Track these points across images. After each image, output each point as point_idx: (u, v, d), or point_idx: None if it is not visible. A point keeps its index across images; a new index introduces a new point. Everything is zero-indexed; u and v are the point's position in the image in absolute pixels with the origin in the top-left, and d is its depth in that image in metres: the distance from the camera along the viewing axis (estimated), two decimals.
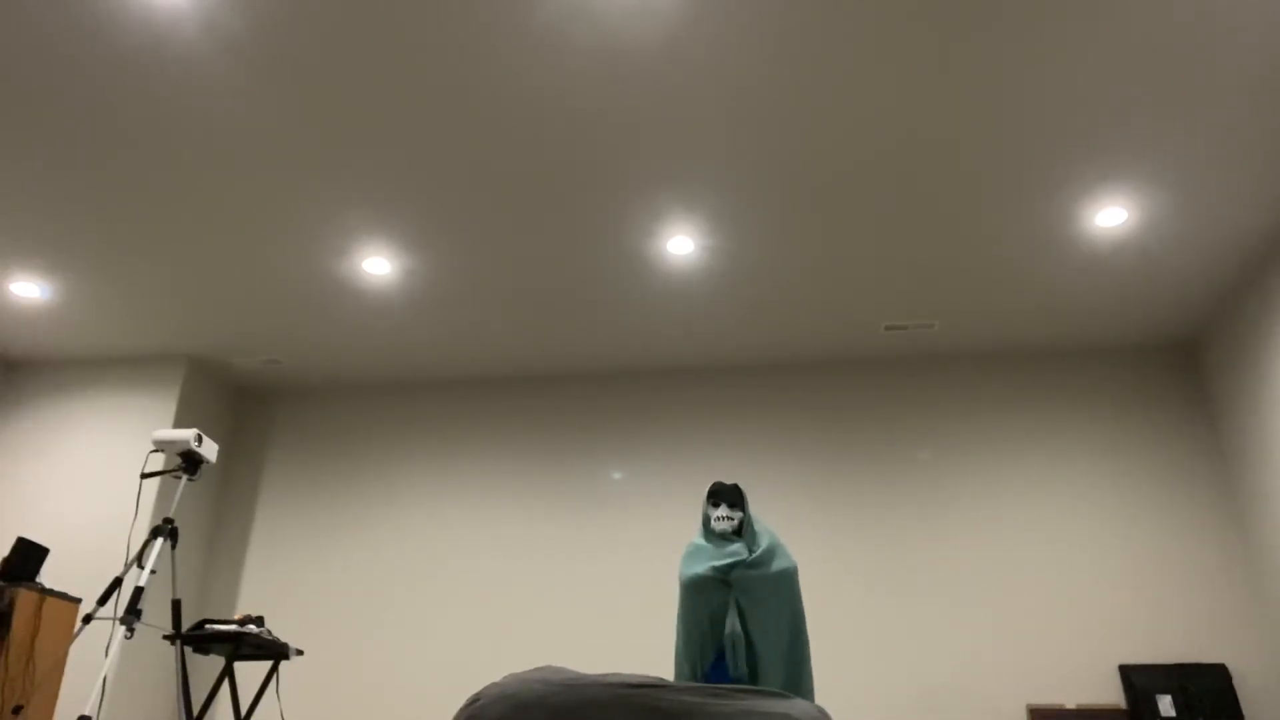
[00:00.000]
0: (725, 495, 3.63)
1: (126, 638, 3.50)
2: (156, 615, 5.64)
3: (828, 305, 5.41)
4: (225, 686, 5.60)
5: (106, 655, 3.50)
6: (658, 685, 2.01)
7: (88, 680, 5.24)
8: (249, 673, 5.74)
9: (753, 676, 3.29)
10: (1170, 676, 4.88)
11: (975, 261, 4.95)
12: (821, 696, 5.22)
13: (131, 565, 3.74)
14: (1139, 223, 4.60)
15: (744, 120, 3.98)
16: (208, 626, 3.91)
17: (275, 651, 4.16)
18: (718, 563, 3.41)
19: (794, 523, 5.67)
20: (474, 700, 2.00)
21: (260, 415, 6.68)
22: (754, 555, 3.43)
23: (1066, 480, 5.52)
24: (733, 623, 3.31)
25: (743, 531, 3.58)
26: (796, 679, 3.37)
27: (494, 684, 2.04)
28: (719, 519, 3.57)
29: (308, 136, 4.14)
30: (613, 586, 5.68)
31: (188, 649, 5.77)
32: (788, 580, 3.45)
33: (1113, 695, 4.99)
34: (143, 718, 5.56)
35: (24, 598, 4.10)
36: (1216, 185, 4.31)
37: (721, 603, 3.37)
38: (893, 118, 3.95)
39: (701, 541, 3.60)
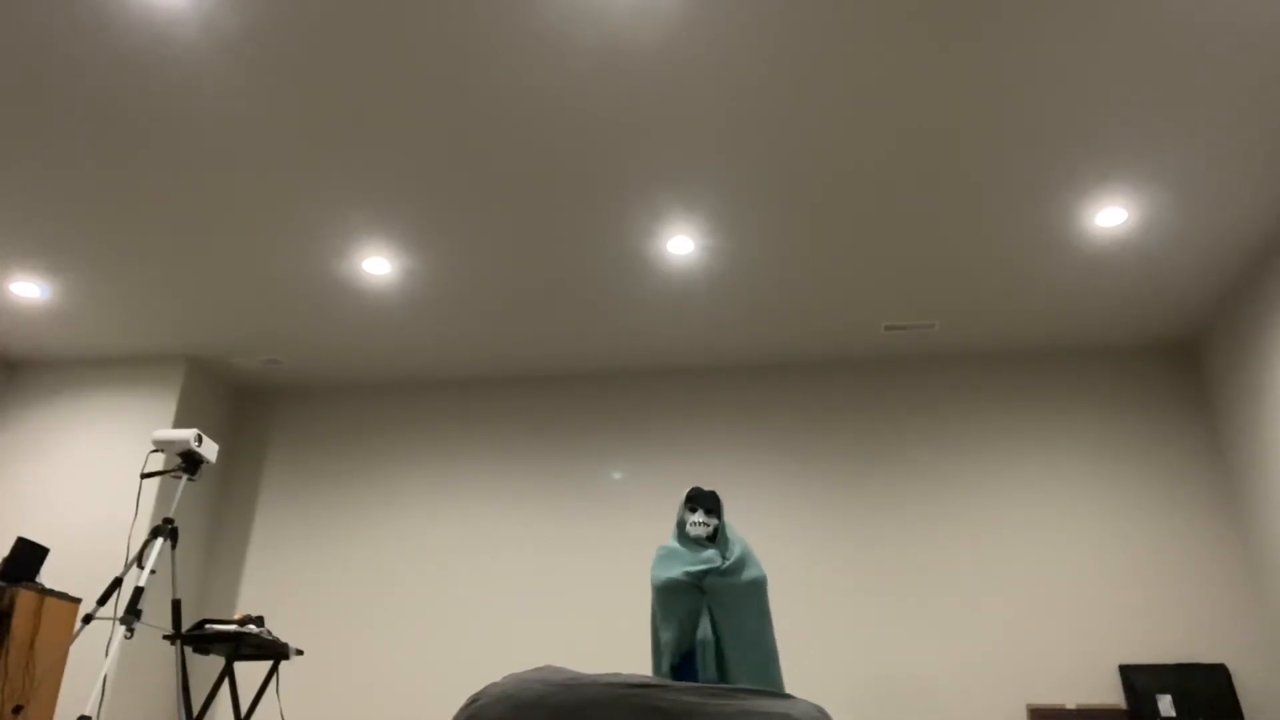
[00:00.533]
0: (703, 501, 3.68)
1: (126, 638, 3.50)
2: (156, 615, 5.64)
3: (828, 305, 5.41)
4: (225, 686, 5.60)
5: (106, 655, 3.50)
6: (658, 685, 2.01)
7: (88, 680, 5.24)
8: (249, 673, 5.74)
9: (721, 680, 3.34)
10: (1170, 676, 4.88)
11: (975, 261, 4.95)
12: (821, 696, 5.23)
13: (131, 565, 3.74)
14: (1139, 223, 4.60)
15: (744, 120, 3.98)
16: (208, 626, 3.91)
17: (275, 651, 4.16)
18: (691, 568, 3.47)
19: (792, 523, 5.67)
20: (474, 700, 2.00)
21: (260, 415, 6.68)
22: (727, 563, 3.49)
23: (1066, 480, 5.52)
24: (705, 628, 3.36)
25: (716, 538, 3.64)
26: (766, 683, 3.41)
27: (494, 684, 2.04)
28: (695, 524, 3.63)
29: (308, 136, 4.14)
30: (613, 586, 5.68)
31: (188, 649, 5.77)
32: (758, 589, 3.52)
33: (1113, 695, 4.99)
34: (143, 718, 5.56)
35: (24, 598, 4.10)
36: (1216, 185, 4.31)
37: (694, 607, 3.42)
38: (893, 118, 3.95)
39: (675, 545, 3.65)
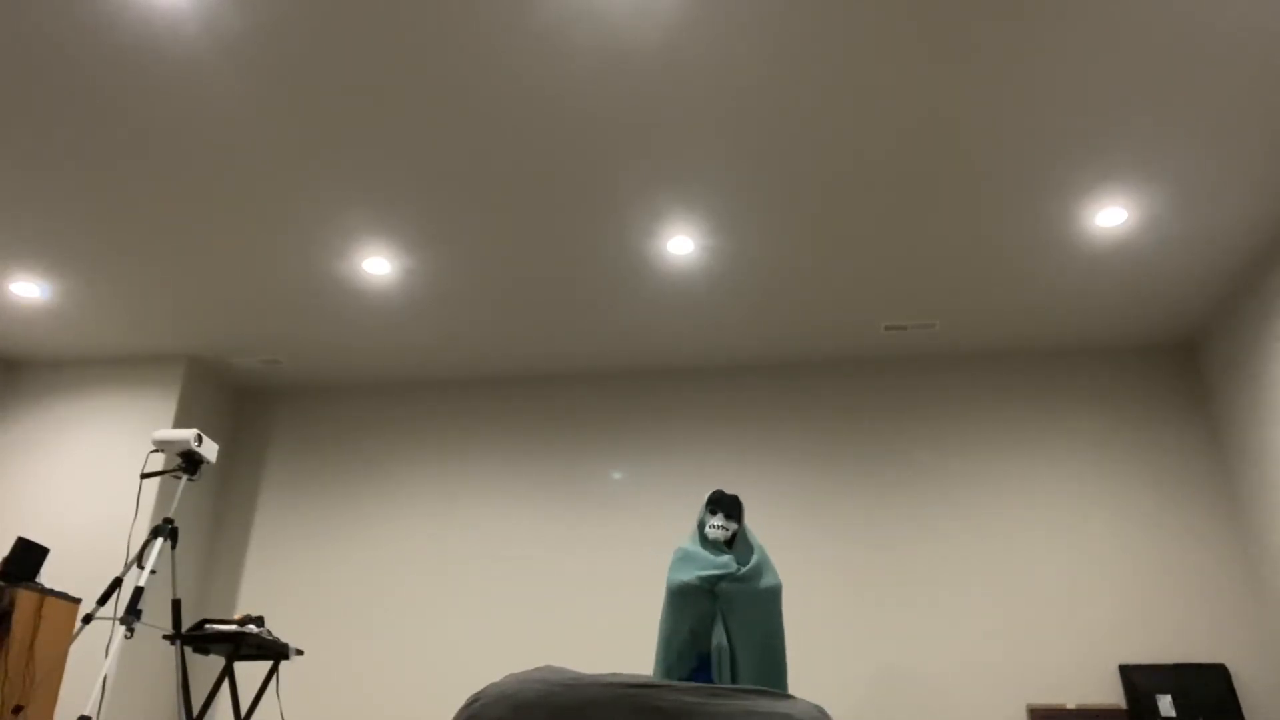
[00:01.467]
0: (724, 505, 3.69)
1: (126, 638, 3.50)
2: (156, 615, 5.64)
3: (828, 305, 5.41)
4: (225, 686, 5.60)
5: (106, 655, 3.50)
6: (658, 685, 2.01)
7: (88, 680, 5.24)
8: (249, 673, 5.74)
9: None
10: (1170, 676, 4.88)
11: (975, 262, 4.95)
12: (821, 696, 5.22)
13: (131, 565, 3.74)
14: (1139, 223, 4.60)
15: (744, 120, 3.98)
16: (208, 626, 3.91)
17: (275, 651, 4.16)
18: (705, 572, 3.47)
19: (793, 523, 5.67)
20: (474, 700, 2.00)
21: (260, 415, 6.68)
22: (743, 570, 3.49)
23: (1066, 480, 5.52)
24: (720, 634, 3.35)
25: (734, 543, 3.64)
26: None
27: (494, 684, 2.04)
28: (714, 527, 3.63)
29: (308, 136, 4.14)
30: (613, 586, 5.68)
31: (188, 649, 5.77)
32: (771, 597, 3.50)
33: (1113, 695, 4.99)
34: (143, 718, 5.56)
35: (24, 598, 4.10)
36: (1216, 186, 4.31)
37: (705, 612, 3.42)
38: (892, 117, 3.95)
39: (692, 548, 3.64)
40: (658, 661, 3.50)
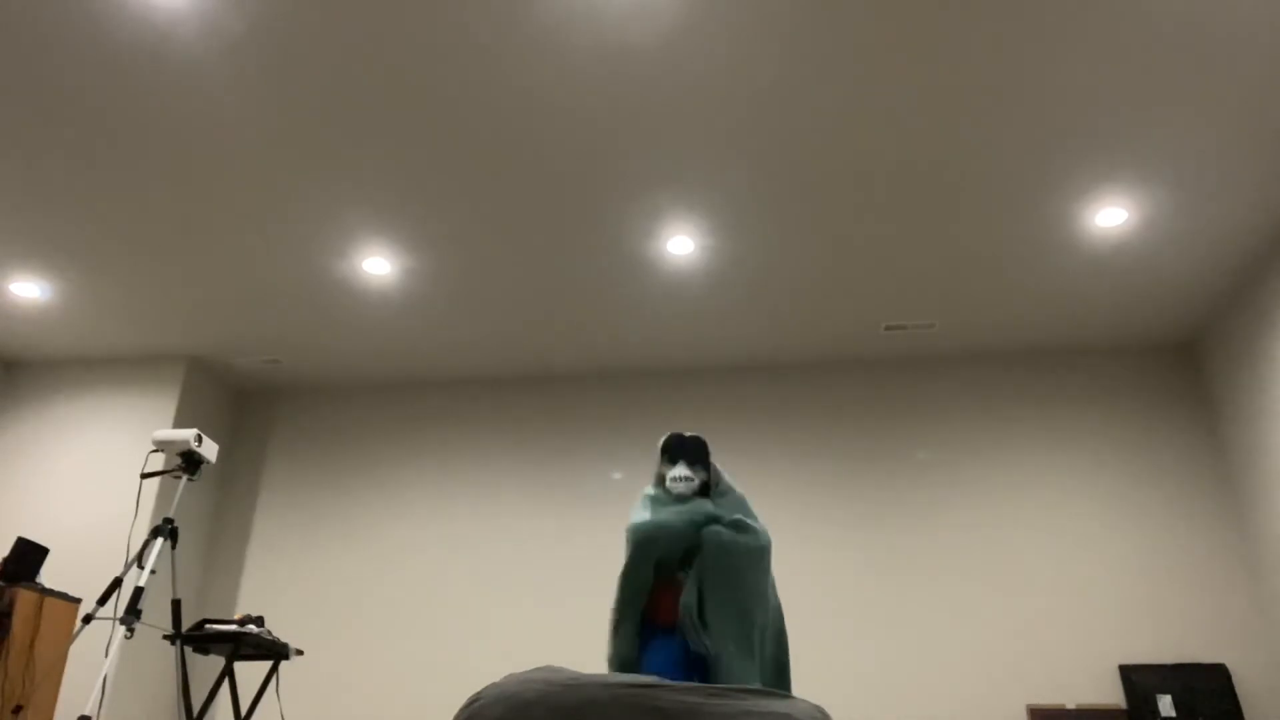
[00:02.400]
0: (685, 452, 2.88)
1: (126, 638, 3.50)
2: (156, 615, 5.64)
3: (828, 305, 5.41)
4: (225, 686, 5.60)
5: (106, 655, 3.50)
6: (657, 685, 2.01)
7: (88, 680, 5.24)
8: (249, 673, 5.74)
9: (714, 674, 2.65)
10: (1170, 676, 4.88)
11: (975, 262, 4.95)
12: (821, 696, 5.22)
13: (131, 565, 3.74)
14: (1139, 223, 4.60)
15: (744, 120, 3.98)
16: (208, 626, 3.91)
17: (275, 651, 4.16)
18: (686, 513, 2.76)
19: (793, 522, 5.67)
20: (474, 700, 2.00)
21: (260, 415, 6.68)
22: (732, 516, 2.76)
23: (1066, 480, 5.52)
24: (690, 594, 2.65)
25: (708, 495, 2.88)
26: (772, 684, 2.75)
27: (494, 684, 2.04)
28: (676, 479, 2.86)
29: (308, 136, 4.14)
30: (612, 586, 5.67)
31: (188, 649, 5.77)
32: (763, 556, 2.77)
33: (1113, 695, 4.99)
34: (143, 718, 5.56)
35: (24, 598, 4.10)
36: (1216, 185, 4.31)
37: (679, 555, 2.69)
38: (893, 118, 3.95)
39: (658, 493, 2.92)
40: (613, 641, 2.80)
